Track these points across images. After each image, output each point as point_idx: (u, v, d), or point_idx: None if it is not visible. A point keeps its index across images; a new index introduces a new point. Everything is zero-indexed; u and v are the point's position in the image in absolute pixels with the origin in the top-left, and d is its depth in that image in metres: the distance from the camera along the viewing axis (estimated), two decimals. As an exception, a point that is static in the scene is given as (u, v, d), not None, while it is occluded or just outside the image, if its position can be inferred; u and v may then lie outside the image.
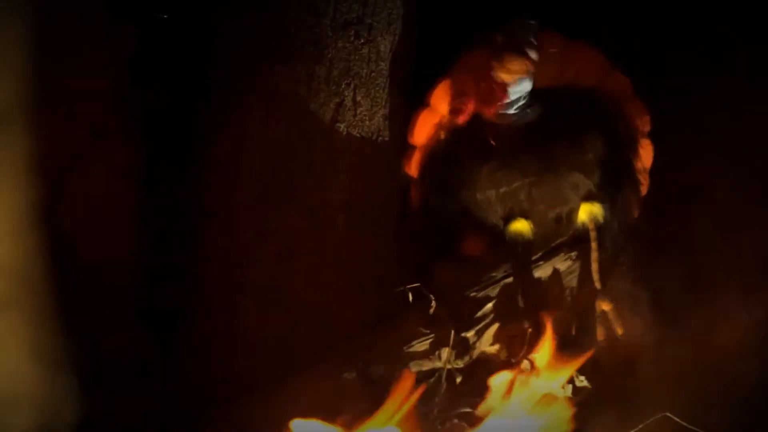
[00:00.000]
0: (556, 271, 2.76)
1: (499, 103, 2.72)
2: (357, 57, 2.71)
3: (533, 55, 2.69)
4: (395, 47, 2.78)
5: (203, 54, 2.83)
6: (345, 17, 2.67)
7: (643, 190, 2.87)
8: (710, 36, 3.10)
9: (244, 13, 2.70)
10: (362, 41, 2.70)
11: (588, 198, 2.76)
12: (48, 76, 2.11)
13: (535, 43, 2.71)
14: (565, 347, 2.63)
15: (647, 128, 2.84)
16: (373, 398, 2.47)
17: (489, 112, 2.75)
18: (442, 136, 2.82)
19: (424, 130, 2.83)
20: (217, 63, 2.79)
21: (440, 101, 2.81)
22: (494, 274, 2.73)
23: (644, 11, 3.20)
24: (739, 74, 3.00)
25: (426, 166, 2.85)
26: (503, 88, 2.71)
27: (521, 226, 2.76)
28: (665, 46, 3.17)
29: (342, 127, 2.72)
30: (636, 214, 2.87)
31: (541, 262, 2.76)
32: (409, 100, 2.87)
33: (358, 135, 2.74)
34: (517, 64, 2.68)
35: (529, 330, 2.65)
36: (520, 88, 2.72)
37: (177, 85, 2.95)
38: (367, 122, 2.75)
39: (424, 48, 2.93)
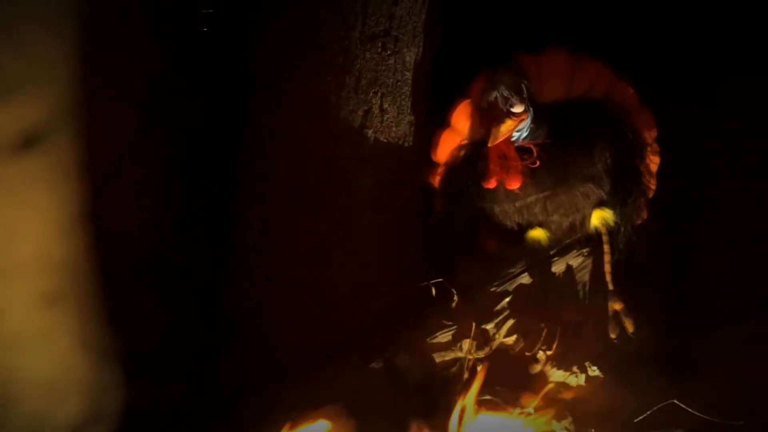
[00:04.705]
0: (569, 267, 2.66)
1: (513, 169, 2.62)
2: (384, 67, 2.60)
3: (519, 109, 2.57)
4: (420, 58, 2.67)
5: (240, 63, 2.73)
6: (373, 30, 2.56)
7: (651, 193, 2.75)
8: (712, 40, 3.00)
9: (279, 25, 2.60)
10: (389, 52, 2.60)
11: (599, 204, 2.66)
12: (94, 80, 2.01)
13: (520, 89, 2.59)
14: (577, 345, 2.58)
15: (654, 135, 2.72)
16: (398, 387, 2.44)
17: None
18: (462, 153, 2.72)
19: (446, 149, 2.73)
20: (253, 71, 2.68)
21: (461, 122, 2.69)
22: (512, 270, 2.64)
23: (645, 19, 3.11)
24: (742, 78, 2.89)
25: (447, 181, 2.75)
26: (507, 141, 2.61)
27: (538, 234, 2.68)
28: (667, 53, 3.07)
29: (370, 132, 2.62)
30: (645, 216, 2.75)
31: (555, 259, 2.67)
32: (432, 108, 2.77)
33: (384, 140, 2.64)
34: (508, 125, 2.56)
35: (544, 326, 2.57)
36: (520, 129, 2.62)
37: (216, 91, 2.90)
38: (393, 128, 2.65)
39: (445, 58, 2.82)
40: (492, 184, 2.63)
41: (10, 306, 1.90)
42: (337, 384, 2.42)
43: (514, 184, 2.62)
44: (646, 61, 2.98)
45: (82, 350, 2.06)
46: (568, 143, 2.63)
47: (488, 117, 2.60)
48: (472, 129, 2.69)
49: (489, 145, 2.57)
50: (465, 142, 2.71)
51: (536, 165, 2.62)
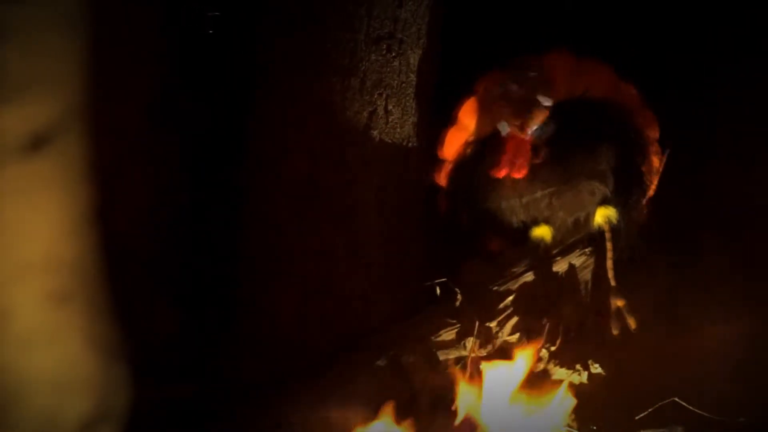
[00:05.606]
0: (571, 266, 2.66)
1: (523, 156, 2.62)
2: (389, 69, 2.57)
3: (547, 102, 2.58)
4: (424, 60, 2.63)
5: (246, 65, 2.70)
6: (378, 32, 2.52)
7: (651, 192, 2.77)
8: (712, 40, 2.98)
9: (285, 27, 2.56)
10: (393, 54, 2.56)
11: (603, 202, 2.66)
12: (101, 80, 1.98)
13: (544, 84, 2.61)
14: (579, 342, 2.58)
15: (656, 135, 2.73)
16: (402, 384, 2.41)
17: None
18: (469, 149, 2.73)
19: (453, 145, 2.74)
20: (261, 72, 2.65)
21: (468, 118, 2.70)
22: (515, 270, 2.62)
23: (645, 19, 3.09)
24: (742, 78, 2.88)
25: (454, 177, 2.76)
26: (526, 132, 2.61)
27: (543, 231, 2.67)
28: (668, 53, 3.05)
29: (375, 133, 2.58)
30: (644, 214, 2.77)
31: (558, 258, 2.66)
32: (436, 109, 2.74)
33: (389, 141, 2.61)
34: (538, 116, 2.58)
35: (547, 323, 2.55)
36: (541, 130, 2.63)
37: (222, 92, 2.88)
38: (398, 129, 2.61)
39: (448, 60, 2.78)
40: (501, 173, 2.62)
41: (19, 305, 1.86)
42: (343, 383, 2.39)
43: (521, 173, 2.61)
44: (646, 61, 2.96)
45: (91, 349, 2.02)
46: (575, 141, 2.63)
47: (507, 107, 2.60)
48: (479, 125, 2.68)
49: (522, 135, 2.57)
50: (472, 138, 2.71)
51: (540, 161, 2.61)
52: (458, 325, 2.53)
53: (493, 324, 2.54)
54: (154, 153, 2.75)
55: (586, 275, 2.66)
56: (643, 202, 2.75)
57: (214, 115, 2.99)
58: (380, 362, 2.45)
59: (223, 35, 3.02)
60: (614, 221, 2.65)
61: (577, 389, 2.48)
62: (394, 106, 2.60)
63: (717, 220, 2.78)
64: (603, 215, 2.65)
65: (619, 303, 2.56)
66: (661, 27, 3.08)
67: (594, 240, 2.67)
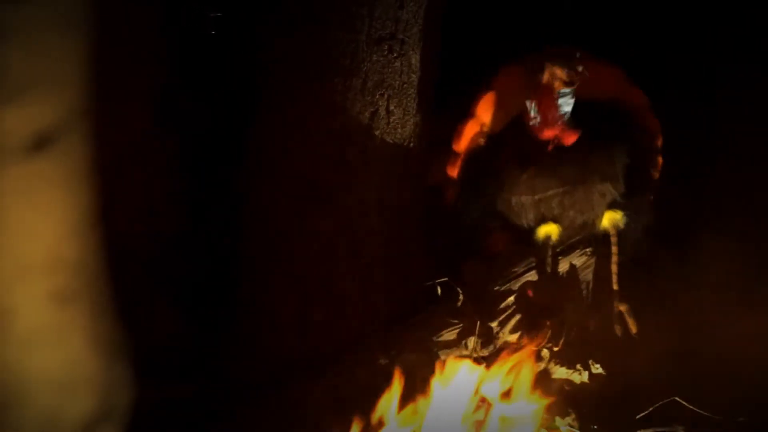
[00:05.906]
0: (572, 267, 2.67)
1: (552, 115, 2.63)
2: (390, 70, 2.57)
3: (579, 67, 2.58)
4: (425, 60, 2.63)
5: (249, 66, 2.70)
6: (379, 33, 2.52)
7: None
8: (712, 40, 2.99)
9: (288, 28, 2.56)
10: (395, 55, 2.56)
11: (612, 206, 2.67)
12: (104, 81, 1.98)
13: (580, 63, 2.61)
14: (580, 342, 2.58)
15: (660, 141, 2.75)
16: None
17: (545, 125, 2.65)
18: (482, 142, 2.74)
19: (468, 138, 2.75)
20: (261, 72, 2.65)
21: (484, 112, 2.72)
22: (516, 270, 2.63)
23: (645, 19, 3.10)
24: (742, 78, 2.88)
25: (466, 169, 2.77)
26: (551, 93, 2.61)
27: (551, 229, 2.67)
28: (668, 53, 3.06)
29: (376, 134, 2.58)
30: (648, 216, 2.76)
31: (559, 258, 2.66)
32: (437, 109, 2.74)
33: (391, 141, 2.60)
34: (564, 72, 2.59)
35: (548, 322, 2.55)
36: (566, 99, 2.62)
37: (224, 93, 2.87)
38: (399, 129, 2.61)
39: (449, 62, 2.79)
40: (548, 134, 2.64)
41: (23, 305, 1.86)
42: (345, 382, 2.40)
43: (572, 139, 2.63)
44: (646, 62, 2.97)
45: (93, 348, 2.01)
46: (588, 141, 2.65)
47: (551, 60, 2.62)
48: (495, 119, 2.71)
49: (560, 80, 2.59)
50: (486, 131, 2.73)
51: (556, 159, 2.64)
52: (459, 325, 2.53)
53: (494, 324, 2.54)
54: (154, 153, 2.75)
55: (587, 275, 2.67)
56: (648, 204, 2.75)
57: (214, 115, 2.99)
58: (382, 361, 2.44)
59: (223, 35, 3.01)
60: (621, 226, 2.66)
61: (577, 389, 2.50)
62: (395, 107, 2.60)
63: (717, 220, 2.79)
64: (611, 219, 2.66)
65: (621, 307, 2.59)
66: (661, 27, 3.09)
67: (595, 241, 2.68)
